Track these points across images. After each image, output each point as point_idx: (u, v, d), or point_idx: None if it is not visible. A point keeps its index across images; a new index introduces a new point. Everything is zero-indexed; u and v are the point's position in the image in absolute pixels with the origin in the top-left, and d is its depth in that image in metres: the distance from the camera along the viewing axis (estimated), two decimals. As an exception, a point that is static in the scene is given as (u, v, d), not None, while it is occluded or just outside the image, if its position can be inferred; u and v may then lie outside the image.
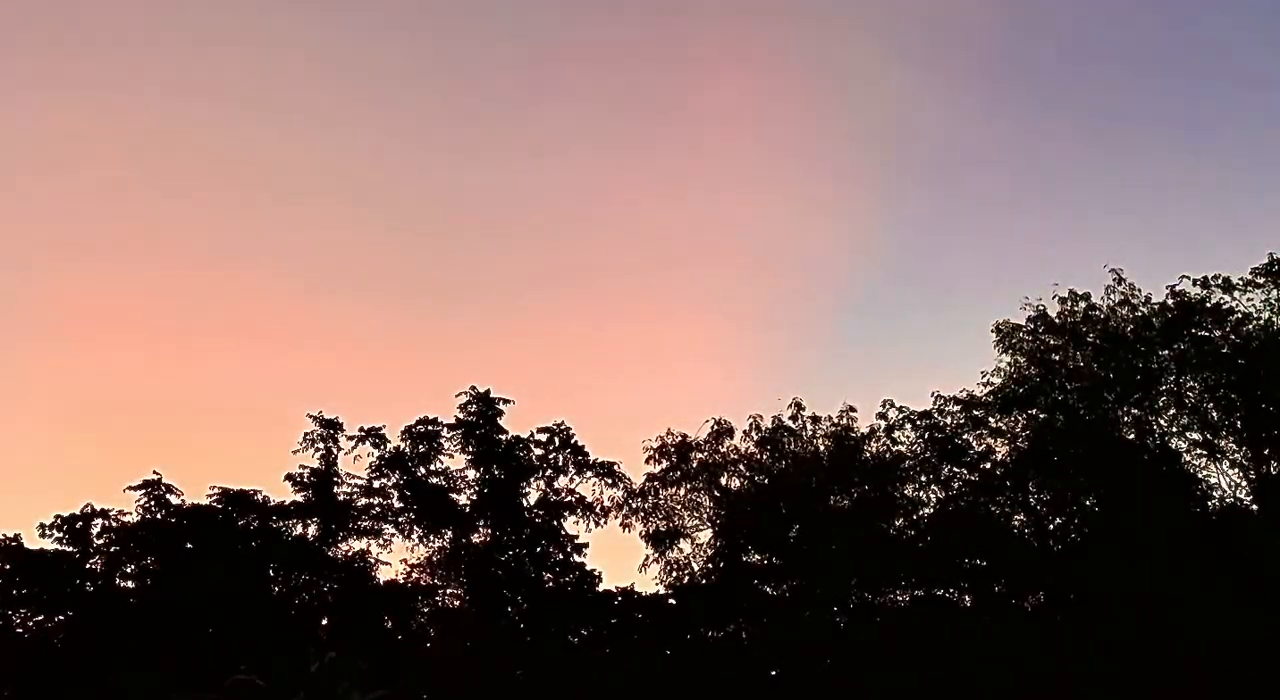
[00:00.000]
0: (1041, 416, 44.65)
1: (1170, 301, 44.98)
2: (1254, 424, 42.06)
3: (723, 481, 35.60)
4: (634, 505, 34.53)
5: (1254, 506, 43.11)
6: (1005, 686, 34.04)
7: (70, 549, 57.42)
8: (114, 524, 57.89)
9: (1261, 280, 44.50)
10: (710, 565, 34.17)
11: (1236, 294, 44.67)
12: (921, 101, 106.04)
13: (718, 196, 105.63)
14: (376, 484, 60.61)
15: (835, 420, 35.94)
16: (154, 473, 58.95)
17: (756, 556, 35.13)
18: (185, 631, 52.28)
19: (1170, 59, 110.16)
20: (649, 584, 56.26)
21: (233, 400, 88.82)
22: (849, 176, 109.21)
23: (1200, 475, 43.79)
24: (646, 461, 35.71)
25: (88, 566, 57.22)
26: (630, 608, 60.48)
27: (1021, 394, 45.02)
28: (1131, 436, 44.40)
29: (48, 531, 57.40)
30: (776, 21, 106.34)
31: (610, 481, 59.60)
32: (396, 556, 60.86)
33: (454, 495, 61.90)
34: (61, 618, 55.92)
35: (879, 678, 32.36)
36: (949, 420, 45.33)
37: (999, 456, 44.66)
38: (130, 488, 58.46)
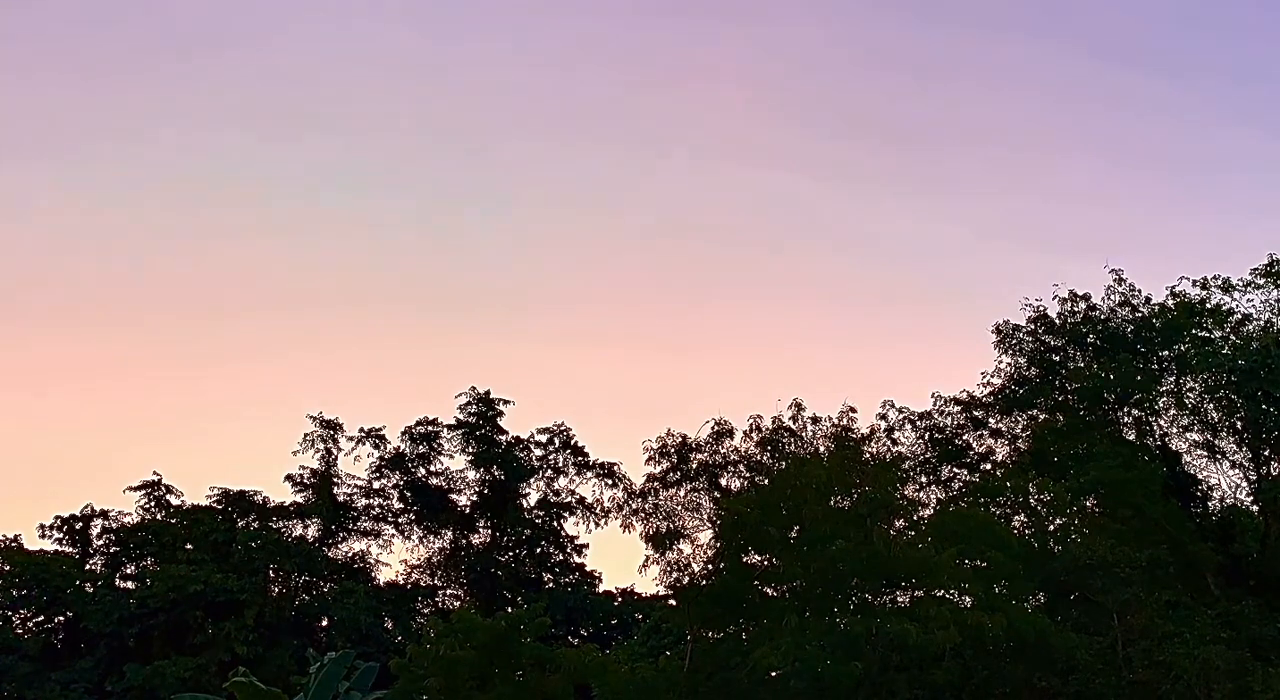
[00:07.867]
0: (1041, 417, 44.66)
1: (1170, 302, 45.05)
2: (1254, 424, 42.08)
3: (723, 482, 35.56)
4: (634, 506, 34.52)
5: (1254, 506, 43.16)
6: (1006, 687, 34.06)
7: (70, 549, 57.51)
8: (114, 524, 58.00)
9: (1261, 281, 44.55)
10: (710, 565, 34.16)
11: (1236, 295, 44.78)
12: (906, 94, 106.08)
13: (716, 194, 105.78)
14: (376, 484, 60.83)
15: (835, 421, 35.86)
16: (154, 473, 59.15)
17: (756, 557, 34.99)
18: (185, 631, 52.34)
19: (1169, 57, 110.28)
20: (649, 584, 56.34)
21: (233, 400, 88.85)
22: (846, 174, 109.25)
23: (1200, 475, 43.93)
24: (646, 462, 35.65)
25: (88, 567, 57.28)
26: (630, 608, 60.69)
27: (1021, 394, 45.02)
28: (1131, 437, 44.44)
29: (48, 532, 57.53)
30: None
31: (610, 482, 59.77)
32: (396, 556, 61.16)
33: (454, 496, 62.07)
34: (61, 618, 55.97)
35: (879, 678, 32.32)
36: (949, 421, 45.36)
37: (999, 457, 44.68)
38: (130, 488, 58.66)
